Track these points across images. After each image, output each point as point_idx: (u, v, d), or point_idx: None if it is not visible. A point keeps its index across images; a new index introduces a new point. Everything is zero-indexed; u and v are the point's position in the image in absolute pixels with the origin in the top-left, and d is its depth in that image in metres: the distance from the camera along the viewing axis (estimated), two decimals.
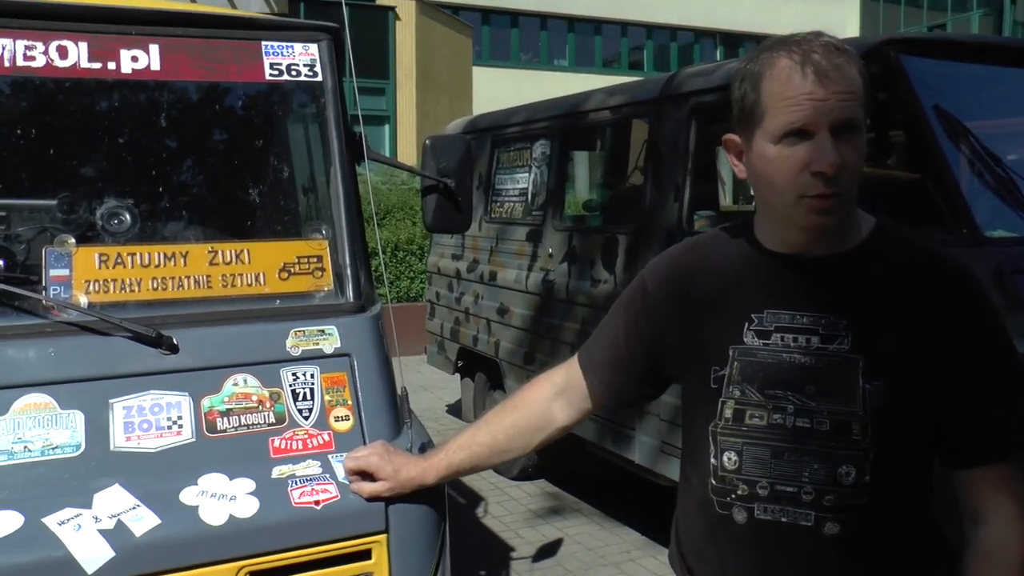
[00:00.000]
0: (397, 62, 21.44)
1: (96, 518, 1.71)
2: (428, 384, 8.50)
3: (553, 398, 1.74)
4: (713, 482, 1.48)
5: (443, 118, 17.97)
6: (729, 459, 1.46)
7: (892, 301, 1.42)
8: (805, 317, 1.44)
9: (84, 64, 2.14)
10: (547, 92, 5.68)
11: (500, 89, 24.11)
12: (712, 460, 1.48)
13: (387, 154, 19.02)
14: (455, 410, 7.35)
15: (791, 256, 1.47)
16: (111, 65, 2.17)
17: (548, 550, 4.75)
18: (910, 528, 1.45)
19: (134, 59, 2.19)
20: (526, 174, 5.59)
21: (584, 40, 29.23)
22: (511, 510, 5.35)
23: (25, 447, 1.77)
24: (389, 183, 13.78)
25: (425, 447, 2.06)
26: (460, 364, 6.35)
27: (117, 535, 1.69)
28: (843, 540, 1.40)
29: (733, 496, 1.46)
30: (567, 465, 5.80)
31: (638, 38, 30.26)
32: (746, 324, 1.48)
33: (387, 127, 21.01)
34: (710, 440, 1.49)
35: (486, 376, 6.11)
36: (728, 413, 1.47)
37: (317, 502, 1.83)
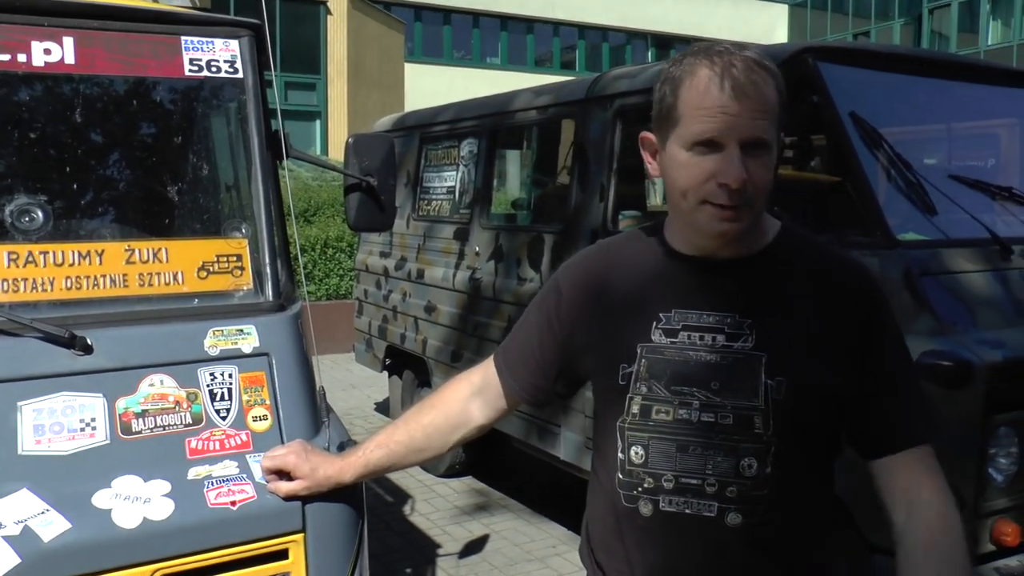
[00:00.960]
0: (328, 57, 21.24)
1: (1, 524, 1.67)
2: (357, 382, 8.46)
3: (470, 397, 1.76)
4: (620, 476, 1.52)
5: (374, 114, 17.86)
6: (636, 453, 1.50)
7: (795, 301, 1.48)
8: (711, 316, 1.49)
9: None
10: (479, 90, 5.70)
11: (432, 86, 24.05)
12: (619, 455, 1.52)
13: (318, 150, 18.83)
14: (384, 408, 7.32)
15: (699, 258, 1.52)
16: (21, 57, 2.11)
17: (474, 546, 4.77)
18: (811, 518, 1.51)
19: (47, 51, 2.14)
20: (454, 172, 5.59)
21: (516, 39, 29.33)
22: (438, 507, 5.36)
23: None
24: (320, 179, 13.67)
25: (344, 446, 2.06)
26: (388, 362, 6.33)
27: (24, 541, 1.65)
28: (745, 530, 1.44)
29: (639, 489, 1.50)
30: (494, 462, 5.83)
31: (570, 38, 30.48)
32: (654, 323, 1.52)
33: (318, 122, 20.79)
34: (617, 435, 1.52)
35: (414, 374, 6.10)
36: (635, 409, 1.50)
37: (233, 503, 1.81)
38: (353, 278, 7.41)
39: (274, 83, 20.12)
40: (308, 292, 9.79)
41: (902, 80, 3.98)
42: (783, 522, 1.46)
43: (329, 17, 21.10)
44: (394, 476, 5.90)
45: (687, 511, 1.46)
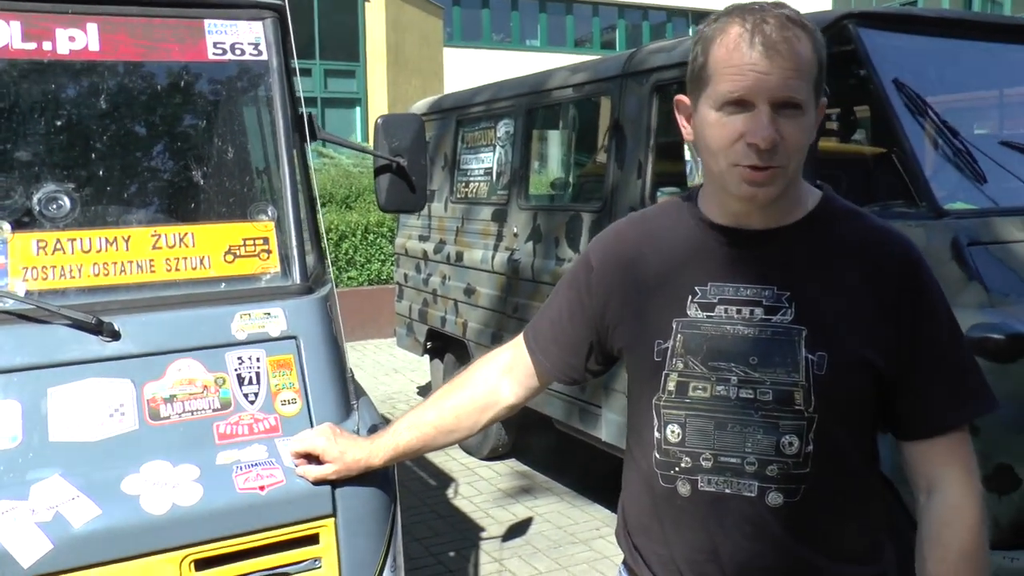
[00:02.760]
0: (368, 44, 21.28)
1: (33, 510, 1.67)
2: (399, 366, 8.48)
3: (500, 376, 1.72)
4: (657, 456, 1.47)
5: (414, 99, 17.87)
6: (672, 432, 1.45)
7: (836, 273, 1.42)
8: (749, 289, 1.44)
9: (17, 44, 2.08)
10: (519, 72, 5.63)
11: (472, 70, 23.98)
12: (656, 434, 1.47)
13: (358, 137, 18.89)
14: (426, 392, 7.33)
15: (735, 229, 1.46)
16: (47, 45, 2.11)
17: (518, 529, 4.75)
18: (854, 497, 1.45)
19: (71, 39, 2.13)
20: (490, 153, 5.55)
21: (556, 20, 29.13)
22: (481, 490, 5.35)
23: None
24: (360, 166, 13.70)
25: (375, 429, 2.03)
26: (429, 345, 6.33)
27: (55, 527, 1.66)
28: (786, 510, 1.39)
29: (676, 469, 1.45)
30: (537, 444, 5.80)
31: (610, 17, 30.20)
32: (689, 297, 1.47)
33: (358, 109, 20.85)
34: (653, 414, 1.48)
35: (455, 357, 6.09)
36: (671, 386, 1.46)
37: (262, 487, 1.80)
38: (394, 263, 7.41)
39: (313, 71, 20.31)
40: (349, 278, 9.85)
41: (950, 45, 3.85)
42: (825, 501, 1.40)
43: (367, 4, 21.12)
44: (437, 459, 5.90)
45: (727, 491, 1.41)
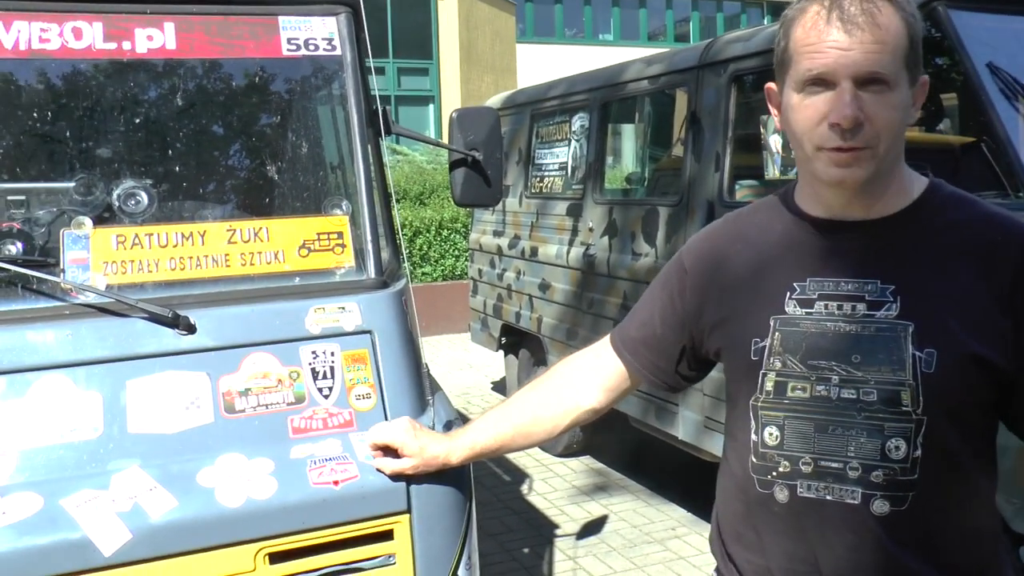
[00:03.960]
0: (440, 41, 21.40)
1: (114, 500, 1.69)
2: (473, 362, 8.49)
3: (584, 379, 1.68)
4: (753, 459, 1.41)
5: (487, 96, 17.93)
6: (770, 434, 1.39)
7: (944, 265, 1.33)
8: (850, 283, 1.36)
9: (99, 45, 2.12)
10: (593, 67, 5.57)
11: (545, 66, 23.93)
12: (753, 436, 1.41)
13: (432, 134, 19.02)
14: (500, 387, 7.32)
15: (833, 220, 1.39)
16: (126, 45, 2.14)
17: (593, 527, 4.70)
18: (967, 506, 1.35)
19: (149, 38, 2.16)
20: (565, 148, 5.50)
21: (629, 14, 28.89)
22: (556, 487, 5.31)
23: (43, 429, 1.76)
24: (435, 163, 13.78)
25: (451, 425, 2.01)
26: (503, 341, 6.31)
27: (134, 517, 1.68)
28: (893, 520, 1.31)
29: (774, 474, 1.38)
30: (613, 442, 5.74)
31: (683, 10, 29.82)
32: (787, 293, 1.40)
33: (431, 107, 21.00)
34: (751, 415, 1.41)
35: (530, 352, 6.06)
36: (769, 386, 1.39)
37: (336, 482, 1.79)
38: (468, 258, 7.42)
39: (387, 69, 20.53)
40: (424, 273, 9.92)
41: None
42: (936, 510, 1.31)
43: (440, 2, 21.24)
44: (511, 456, 5.88)
45: (828, 497, 1.34)
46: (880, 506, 1.31)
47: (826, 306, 1.37)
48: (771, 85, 1.43)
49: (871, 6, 1.26)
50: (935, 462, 1.30)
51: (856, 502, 1.32)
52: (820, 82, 1.28)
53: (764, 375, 1.40)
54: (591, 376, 1.67)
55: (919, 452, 1.30)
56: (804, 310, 1.38)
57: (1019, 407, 1.34)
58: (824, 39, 1.26)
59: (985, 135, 3.27)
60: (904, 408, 1.30)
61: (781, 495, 1.38)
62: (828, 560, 1.35)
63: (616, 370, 1.64)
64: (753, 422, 1.41)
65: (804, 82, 1.29)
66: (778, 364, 1.39)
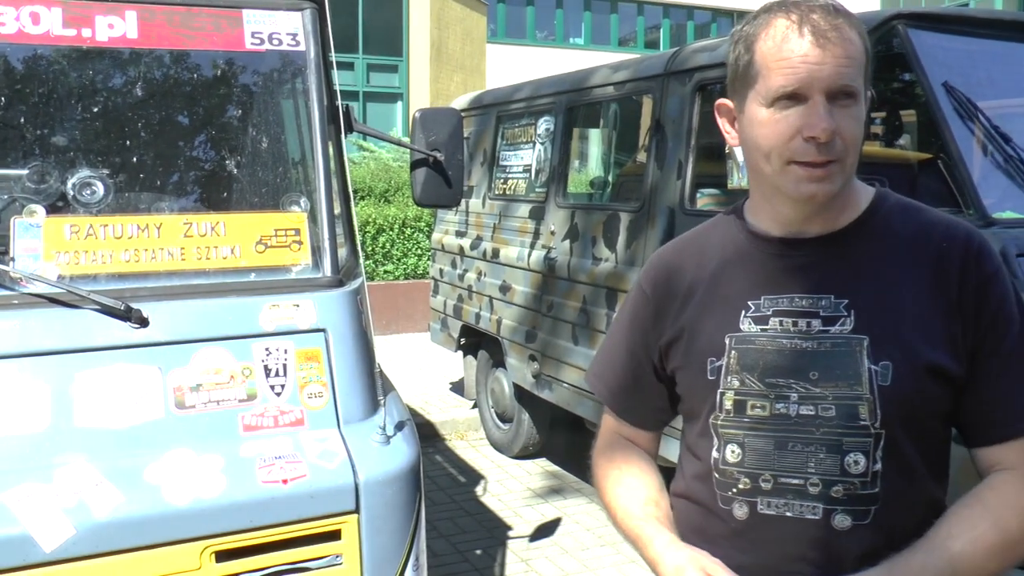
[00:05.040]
0: (411, 39, 21.32)
1: (57, 495, 1.67)
2: (434, 362, 8.47)
3: (646, 464, 1.59)
4: (716, 476, 1.41)
5: (456, 96, 17.90)
6: (732, 452, 1.39)
7: (895, 276, 1.35)
8: (804, 300, 1.37)
9: (57, 31, 2.09)
10: (562, 71, 5.58)
11: (515, 67, 23.95)
12: (714, 453, 1.41)
13: (399, 132, 18.93)
14: (459, 388, 7.31)
15: (786, 238, 1.40)
16: (86, 32, 2.11)
17: (546, 529, 4.71)
18: (924, 516, 1.35)
19: (110, 26, 2.14)
20: (530, 150, 5.51)
21: (600, 18, 29.00)
22: (511, 489, 5.32)
23: None
24: (401, 160, 13.72)
25: (403, 425, 2.01)
26: (463, 342, 6.31)
27: (78, 513, 1.66)
28: (855, 534, 1.32)
29: (734, 491, 1.39)
30: (569, 444, 5.76)
31: (655, 17, 30.01)
32: (743, 312, 1.40)
33: (399, 104, 20.92)
34: (712, 433, 1.41)
35: (488, 354, 6.06)
36: (728, 404, 1.39)
37: (285, 480, 1.78)
38: (430, 258, 7.41)
39: (356, 64, 20.44)
40: (386, 271, 9.87)
41: (1003, 47, 3.74)
42: (898, 523, 1.32)
43: (412, 0, 21.18)
44: (467, 456, 5.89)
45: (788, 514, 1.34)
46: (841, 520, 1.32)
47: (781, 323, 1.37)
48: (724, 101, 1.42)
49: (839, 21, 1.28)
50: (894, 475, 1.31)
51: (817, 517, 1.33)
52: (793, 97, 1.28)
53: (722, 394, 1.40)
54: (643, 457, 1.60)
55: (879, 466, 1.31)
56: (759, 327, 1.39)
57: (968, 412, 1.35)
58: (797, 53, 1.27)
59: (941, 152, 3.33)
60: (862, 422, 1.31)
61: (740, 511, 1.38)
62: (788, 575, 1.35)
63: (637, 437, 1.61)
64: (715, 440, 1.41)
65: (774, 97, 1.29)
66: (736, 383, 1.39)
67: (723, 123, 1.44)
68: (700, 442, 1.44)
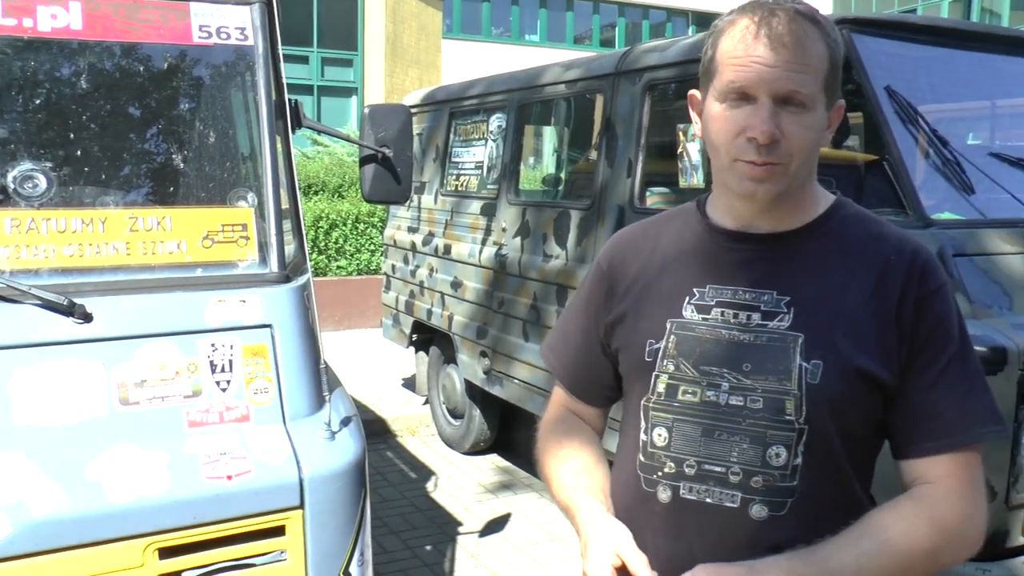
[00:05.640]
0: (366, 33, 21.17)
1: None
2: (386, 357, 8.45)
3: (589, 434, 1.63)
4: (641, 458, 1.44)
5: (411, 90, 17.81)
6: (659, 435, 1.42)
7: (840, 279, 1.38)
8: (748, 293, 1.40)
9: None
10: (517, 67, 5.59)
11: (470, 63, 23.91)
12: (642, 435, 1.44)
13: (354, 126, 18.80)
14: (410, 384, 7.31)
15: (740, 232, 1.44)
16: (27, 22, 2.08)
17: (496, 525, 4.74)
18: (842, 514, 1.37)
19: (53, 16, 2.11)
20: (482, 147, 5.53)
21: (556, 16, 29.06)
22: (462, 484, 5.33)
23: None
24: (354, 155, 13.64)
25: (348, 421, 2.02)
26: (415, 338, 6.30)
27: (16, 511, 1.64)
28: (770, 524, 1.35)
29: (659, 474, 1.42)
30: (520, 440, 5.79)
31: (610, 15, 30.14)
32: (686, 298, 1.44)
33: (354, 98, 20.77)
34: (641, 415, 1.45)
35: (440, 350, 6.07)
36: (661, 388, 1.42)
37: (229, 476, 1.78)
38: (382, 253, 7.38)
39: (311, 58, 20.28)
40: (339, 267, 9.82)
41: (943, 54, 3.84)
42: (814, 517, 1.34)
43: None
44: (418, 452, 5.89)
45: (707, 500, 1.37)
46: (758, 510, 1.35)
47: (722, 313, 1.41)
48: (695, 93, 1.46)
49: (799, 27, 1.30)
50: (814, 470, 1.34)
51: (735, 505, 1.36)
52: (742, 95, 1.31)
53: (656, 376, 1.43)
54: (587, 431, 1.63)
55: (799, 460, 1.34)
56: (701, 315, 1.42)
57: (896, 424, 1.38)
58: (750, 53, 1.30)
59: (883, 154, 3.41)
60: (787, 417, 1.34)
61: (664, 495, 1.41)
62: (705, 561, 1.36)
63: (584, 409, 1.64)
64: (644, 421, 1.44)
65: (726, 93, 1.33)
66: (671, 367, 1.42)
67: (693, 114, 1.48)
68: (631, 423, 1.48)
